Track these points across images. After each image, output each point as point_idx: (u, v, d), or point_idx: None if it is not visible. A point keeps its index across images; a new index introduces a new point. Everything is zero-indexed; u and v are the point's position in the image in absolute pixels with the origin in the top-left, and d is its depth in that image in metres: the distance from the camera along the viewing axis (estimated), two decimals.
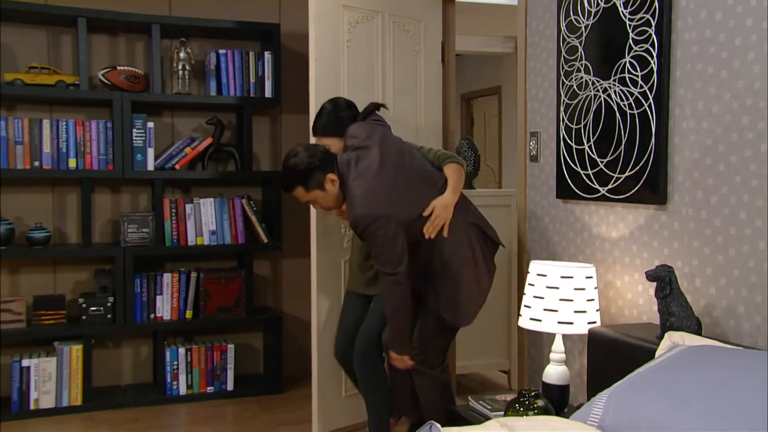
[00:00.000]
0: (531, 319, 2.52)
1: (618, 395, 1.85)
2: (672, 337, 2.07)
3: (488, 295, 2.76)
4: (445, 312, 2.68)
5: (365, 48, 3.30)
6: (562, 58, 2.83)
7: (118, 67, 3.91)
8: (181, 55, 4.00)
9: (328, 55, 3.14)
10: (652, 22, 2.37)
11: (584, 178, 2.71)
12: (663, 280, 2.20)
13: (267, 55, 4.07)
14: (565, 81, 2.82)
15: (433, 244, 2.64)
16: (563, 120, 2.83)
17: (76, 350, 3.77)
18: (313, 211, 3.09)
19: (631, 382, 1.87)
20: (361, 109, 2.89)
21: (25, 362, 3.67)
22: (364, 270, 3.01)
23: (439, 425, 1.92)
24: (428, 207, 2.61)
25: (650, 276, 2.22)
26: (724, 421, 1.54)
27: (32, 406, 3.69)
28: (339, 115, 2.84)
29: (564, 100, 2.82)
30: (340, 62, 3.18)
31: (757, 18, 2.04)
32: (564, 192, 2.85)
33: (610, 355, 2.30)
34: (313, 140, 2.91)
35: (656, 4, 2.35)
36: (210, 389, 3.99)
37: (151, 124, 3.93)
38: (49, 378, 3.70)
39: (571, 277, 2.45)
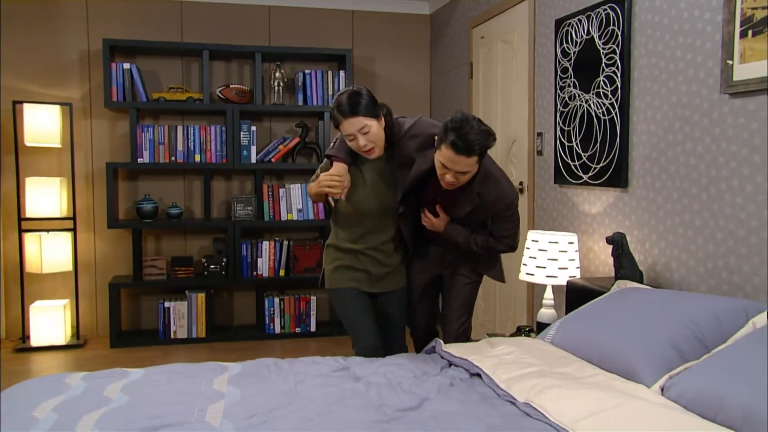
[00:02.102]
0: (527, 273, 2.96)
1: (565, 321, 2.32)
2: (619, 284, 2.50)
3: None
4: (492, 272, 2.69)
5: None
6: (558, 76, 3.25)
7: (230, 86, 4.46)
8: (277, 74, 4.50)
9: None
10: (617, 50, 2.78)
11: (573, 168, 3.14)
12: (617, 243, 2.59)
13: (342, 73, 4.57)
14: (560, 93, 3.24)
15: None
16: (559, 123, 3.25)
17: (201, 297, 4.36)
18: None
19: (575, 313, 2.34)
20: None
21: (167, 304, 4.34)
22: (377, 266, 2.57)
23: (442, 341, 2.43)
24: None
25: (608, 240, 2.60)
26: (622, 332, 1.99)
27: (172, 336, 4.34)
28: (374, 98, 2.42)
29: (559, 108, 3.24)
30: None
31: (683, 51, 2.45)
32: (559, 178, 3.24)
33: (581, 299, 2.69)
34: (356, 122, 2.35)
35: (620, 37, 2.76)
36: (298, 330, 4.51)
37: (254, 128, 4.44)
38: (182, 316, 4.35)
39: (557, 242, 2.89)
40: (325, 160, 2.59)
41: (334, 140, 2.57)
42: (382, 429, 1.62)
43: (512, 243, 2.54)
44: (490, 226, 2.57)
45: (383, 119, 2.44)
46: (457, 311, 2.68)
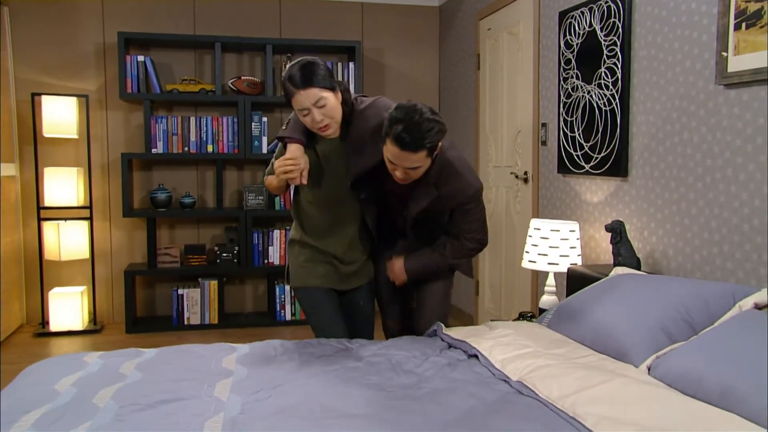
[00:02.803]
0: (529, 261, 3.05)
1: (562, 305, 2.41)
2: (616, 271, 2.57)
3: None
4: (461, 266, 2.50)
5: None
6: (561, 67, 3.32)
7: (242, 77, 4.56)
8: (288, 66, 4.69)
9: None
10: (618, 42, 2.84)
11: (575, 157, 3.22)
12: (615, 230, 2.66)
13: (351, 64, 4.66)
14: (563, 84, 3.31)
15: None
16: (562, 114, 3.33)
17: (213, 284, 4.50)
18: None
19: (572, 297, 2.41)
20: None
21: (180, 291, 4.46)
22: (346, 263, 2.43)
23: (443, 325, 2.52)
24: None
25: (607, 228, 2.68)
26: (614, 315, 2.08)
27: (185, 322, 4.47)
28: (330, 70, 2.21)
29: (562, 99, 3.31)
30: None
31: (680, 43, 2.52)
32: (562, 168, 3.31)
33: (581, 285, 2.77)
34: (311, 93, 2.11)
35: (621, 29, 2.82)
36: None
37: (265, 119, 4.55)
38: (195, 303, 4.48)
39: (558, 230, 2.96)
40: (278, 144, 2.36)
41: (286, 122, 2.35)
42: (380, 404, 1.72)
43: (481, 237, 2.34)
44: (453, 230, 2.36)
45: (340, 94, 2.22)
46: (428, 318, 2.50)
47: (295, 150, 2.21)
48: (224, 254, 4.52)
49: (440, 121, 2.05)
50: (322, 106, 2.14)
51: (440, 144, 2.12)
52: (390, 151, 2.05)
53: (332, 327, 2.42)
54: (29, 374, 1.98)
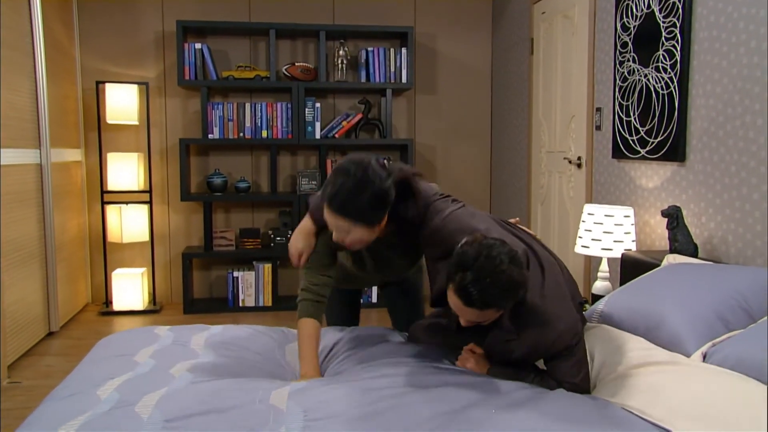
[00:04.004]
0: (582, 246, 3.08)
1: (615, 294, 2.42)
2: (669, 259, 2.57)
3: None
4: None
5: None
6: (617, 51, 3.31)
7: (296, 63, 4.66)
8: (341, 52, 4.69)
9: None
10: (678, 24, 2.83)
11: (630, 142, 3.22)
12: (672, 216, 2.67)
13: (404, 50, 4.70)
14: (619, 68, 3.30)
15: None
16: (617, 98, 3.32)
17: (267, 267, 4.63)
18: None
19: (625, 286, 2.40)
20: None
21: (235, 274, 4.62)
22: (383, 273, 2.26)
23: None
24: None
25: (663, 213, 2.69)
26: (668, 303, 2.08)
27: (240, 304, 4.62)
28: (385, 197, 1.76)
29: (618, 83, 3.30)
30: None
31: (746, 22, 2.49)
32: (617, 153, 3.32)
33: (634, 271, 2.78)
34: (334, 220, 1.78)
35: (680, 11, 2.81)
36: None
37: (318, 105, 4.65)
38: (250, 286, 4.64)
39: (612, 216, 2.98)
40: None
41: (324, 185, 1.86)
42: (439, 389, 1.78)
43: (582, 383, 1.79)
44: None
45: (383, 223, 1.83)
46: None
47: (304, 230, 1.99)
48: (278, 238, 4.65)
49: (521, 274, 1.61)
50: (347, 233, 1.80)
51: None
52: (452, 300, 1.64)
53: (332, 312, 2.49)
54: (106, 345, 2.13)
